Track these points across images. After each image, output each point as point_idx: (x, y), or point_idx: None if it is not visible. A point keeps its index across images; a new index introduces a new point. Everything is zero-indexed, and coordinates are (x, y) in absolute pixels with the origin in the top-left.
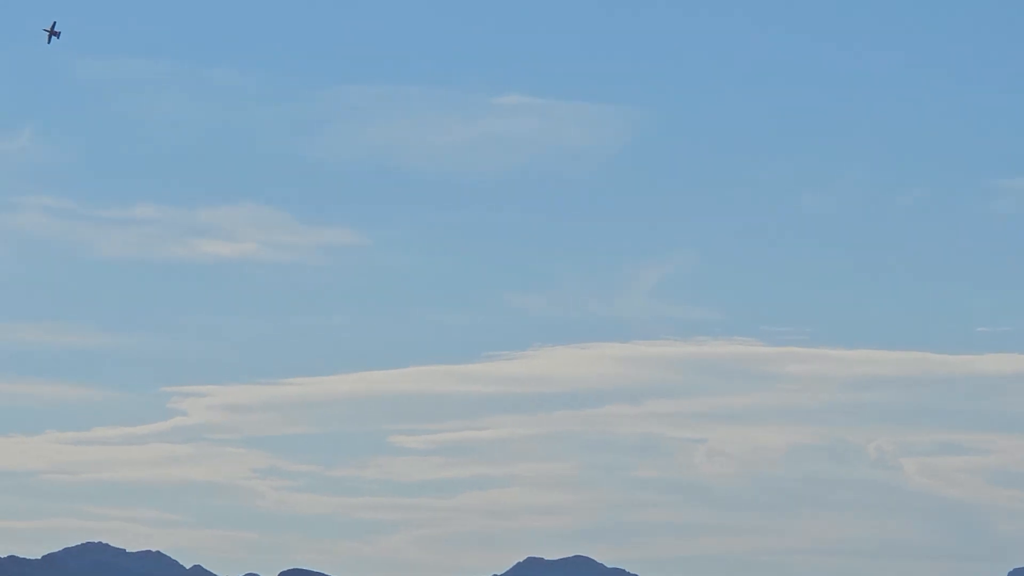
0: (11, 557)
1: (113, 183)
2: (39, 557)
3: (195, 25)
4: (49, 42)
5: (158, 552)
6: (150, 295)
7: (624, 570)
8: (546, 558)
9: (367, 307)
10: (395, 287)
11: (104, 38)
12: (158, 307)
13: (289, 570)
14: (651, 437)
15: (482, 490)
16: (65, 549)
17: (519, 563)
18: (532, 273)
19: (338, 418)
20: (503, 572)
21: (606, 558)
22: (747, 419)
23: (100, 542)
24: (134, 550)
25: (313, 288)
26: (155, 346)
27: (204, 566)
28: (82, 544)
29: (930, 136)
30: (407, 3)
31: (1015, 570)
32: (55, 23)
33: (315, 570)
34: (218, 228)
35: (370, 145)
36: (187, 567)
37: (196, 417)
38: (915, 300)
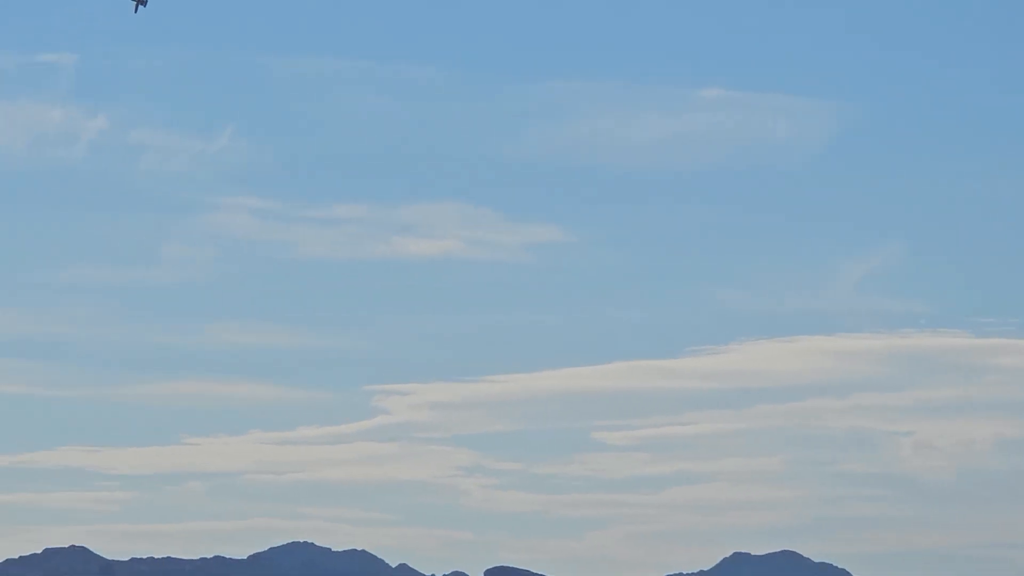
0: (217, 557)
1: (315, 182)
2: (245, 557)
3: (391, 23)
4: (136, 11)
5: (363, 551)
6: (353, 294)
7: (832, 564)
8: (753, 553)
9: (569, 303)
10: (597, 283)
11: (300, 37)
12: (361, 306)
13: (495, 568)
14: (858, 431)
15: (687, 486)
16: (271, 548)
17: (725, 559)
18: (736, 267)
19: (542, 415)
20: (710, 568)
21: (813, 553)
22: (955, 412)
23: (306, 541)
24: (340, 549)
25: (516, 285)
26: (358, 345)
27: (410, 564)
28: (288, 543)
29: None
30: None
31: None
32: None
33: (521, 568)
34: (421, 226)
35: (571, 141)
36: (393, 565)
37: (400, 416)
38: None
